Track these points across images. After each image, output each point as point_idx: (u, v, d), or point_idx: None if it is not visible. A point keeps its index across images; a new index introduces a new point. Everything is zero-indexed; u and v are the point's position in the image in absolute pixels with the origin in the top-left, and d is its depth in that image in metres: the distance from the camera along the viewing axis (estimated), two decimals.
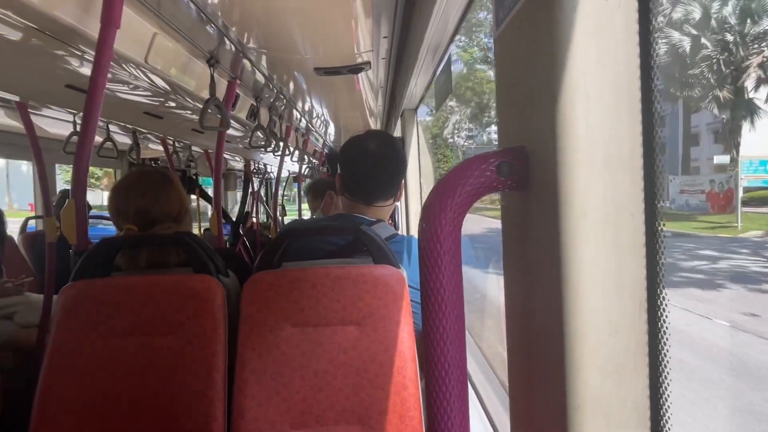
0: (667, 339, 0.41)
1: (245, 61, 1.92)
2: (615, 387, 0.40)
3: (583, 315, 0.40)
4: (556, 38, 0.39)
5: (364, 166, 1.42)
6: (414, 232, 3.21)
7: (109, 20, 1.15)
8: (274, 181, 5.43)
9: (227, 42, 1.68)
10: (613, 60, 0.39)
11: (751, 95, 18.21)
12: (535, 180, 0.45)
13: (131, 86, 1.87)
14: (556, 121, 0.39)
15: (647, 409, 0.41)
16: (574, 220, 0.39)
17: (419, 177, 3.39)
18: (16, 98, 1.89)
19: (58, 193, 3.27)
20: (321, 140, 5.24)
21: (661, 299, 0.41)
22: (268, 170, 6.32)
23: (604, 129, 0.40)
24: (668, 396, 0.41)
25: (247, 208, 5.01)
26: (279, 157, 3.55)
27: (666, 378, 0.41)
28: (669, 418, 0.41)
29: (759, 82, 17.91)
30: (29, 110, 1.97)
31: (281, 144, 3.19)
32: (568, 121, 0.39)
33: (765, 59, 17.62)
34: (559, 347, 0.40)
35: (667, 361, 0.41)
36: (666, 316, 0.41)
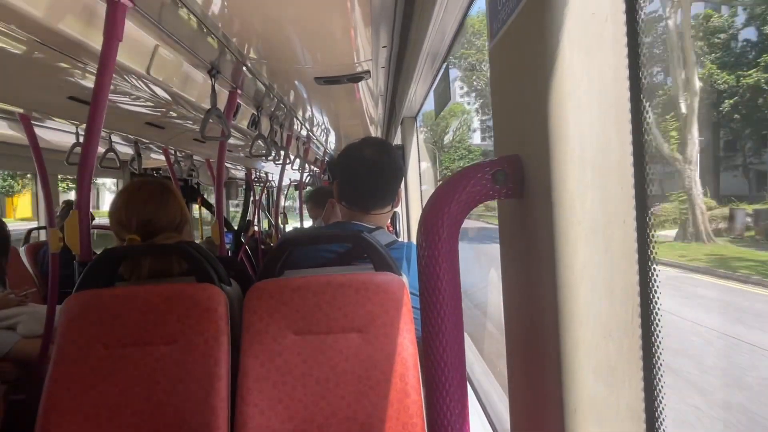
0: (660, 343, 0.41)
1: (246, 71, 1.93)
2: (609, 390, 0.41)
3: (577, 319, 0.40)
4: (547, 50, 0.40)
5: (361, 174, 1.42)
6: (415, 238, 3.21)
7: (112, 34, 1.16)
8: (275, 190, 5.45)
9: (228, 53, 1.70)
10: (602, 70, 0.40)
11: None
12: (530, 188, 0.46)
13: (133, 97, 1.89)
14: (549, 130, 0.40)
15: (642, 412, 0.41)
16: (568, 227, 0.40)
17: (420, 184, 3.40)
18: (20, 110, 1.91)
19: (61, 203, 3.29)
20: (322, 148, 5.26)
21: (654, 304, 0.41)
22: (270, 179, 6.34)
23: (594, 137, 0.40)
24: (662, 399, 0.41)
25: (248, 217, 5.02)
26: (280, 166, 3.56)
27: (660, 381, 0.41)
28: (663, 421, 0.41)
29: None
30: (32, 122, 1.99)
31: (282, 152, 3.21)
32: (560, 130, 0.40)
33: None
34: (555, 351, 0.41)
35: (661, 365, 0.41)
36: (659, 321, 0.41)
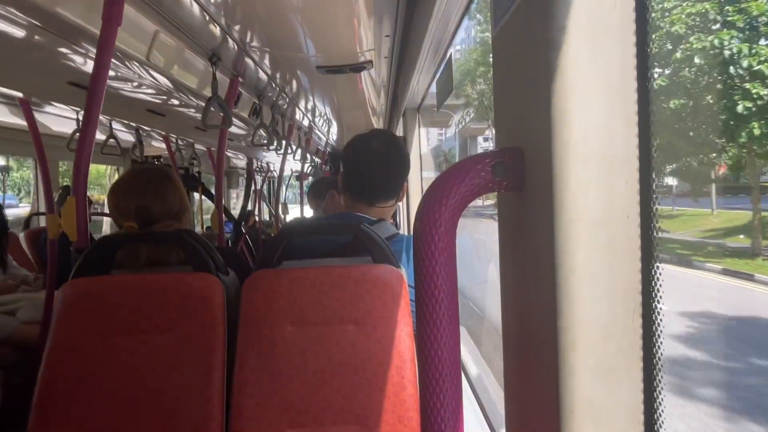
0: (661, 344, 0.40)
1: (247, 59, 1.92)
2: (607, 391, 0.40)
3: (575, 318, 0.39)
4: (552, 38, 0.38)
5: (367, 165, 1.42)
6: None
7: (111, 18, 1.15)
8: (276, 180, 5.44)
9: (230, 40, 1.68)
10: (608, 60, 0.39)
11: None
12: (530, 181, 0.44)
13: (134, 84, 1.87)
14: (552, 122, 0.39)
15: (641, 414, 0.41)
16: (569, 222, 0.39)
17: (421, 177, 3.38)
18: (19, 95, 1.90)
19: (59, 189, 3.28)
20: (323, 139, 5.24)
21: (656, 303, 0.40)
22: (271, 168, 6.33)
23: (599, 130, 0.39)
24: (662, 401, 0.40)
25: (249, 207, 5.02)
26: (281, 156, 3.55)
27: (660, 383, 0.40)
28: (662, 423, 0.40)
29: None
30: (32, 107, 1.98)
31: (283, 142, 3.19)
32: (564, 121, 0.39)
33: None
34: (552, 350, 0.40)
35: (661, 366, 0.40)
36: (660, 321, 0.40)
